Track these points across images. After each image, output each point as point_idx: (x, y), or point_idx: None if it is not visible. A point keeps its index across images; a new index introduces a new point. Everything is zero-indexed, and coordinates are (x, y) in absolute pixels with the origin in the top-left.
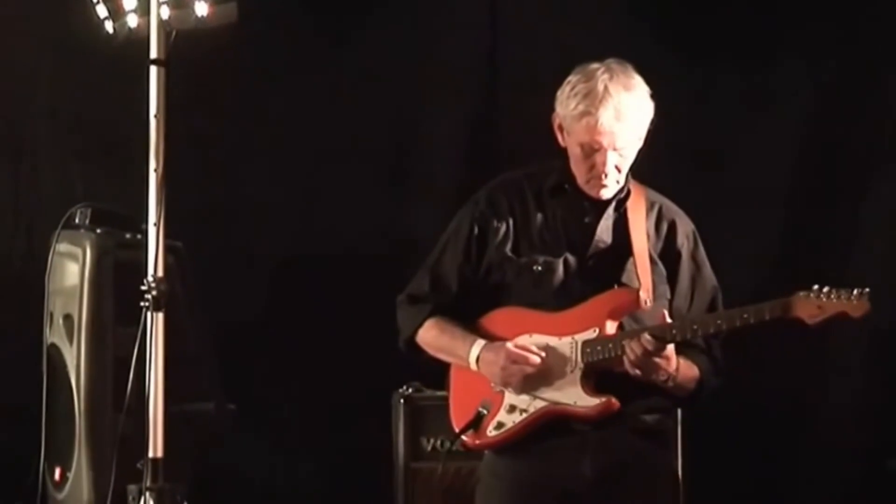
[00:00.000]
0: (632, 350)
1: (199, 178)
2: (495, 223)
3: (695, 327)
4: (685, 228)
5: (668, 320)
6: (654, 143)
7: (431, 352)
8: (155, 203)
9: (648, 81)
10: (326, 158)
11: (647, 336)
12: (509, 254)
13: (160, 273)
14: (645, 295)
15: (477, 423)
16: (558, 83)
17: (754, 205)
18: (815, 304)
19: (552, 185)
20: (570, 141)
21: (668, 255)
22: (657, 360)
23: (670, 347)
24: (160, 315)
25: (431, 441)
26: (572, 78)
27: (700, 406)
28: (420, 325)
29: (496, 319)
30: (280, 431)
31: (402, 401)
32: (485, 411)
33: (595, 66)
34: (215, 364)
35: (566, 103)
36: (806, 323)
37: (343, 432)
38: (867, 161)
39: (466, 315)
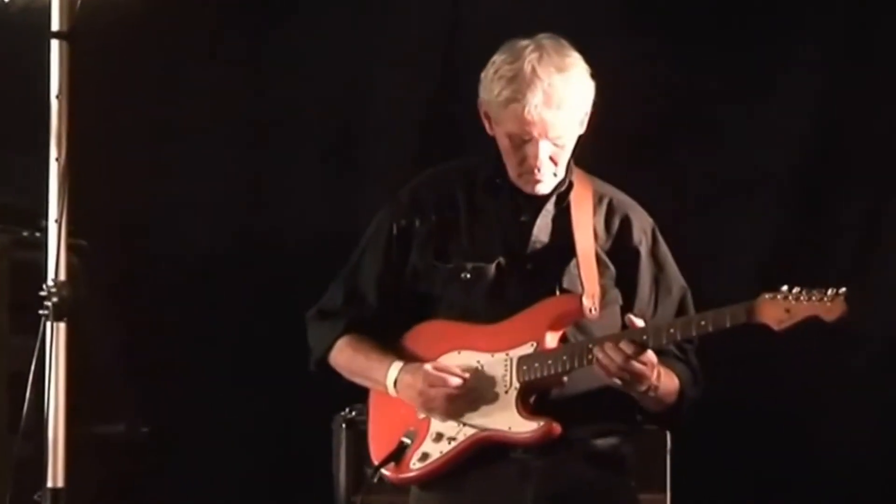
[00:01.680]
0: (609, 359)
1: (109, 167)
2: (418, 224)
3: (644, 338)
4: (641, 223)
5: (639, 324)
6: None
7: (346, 375)
8: (57, 196)
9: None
10: (261, 144)
11: (624, 342)
12: (435, 260)
13: (62, 276)
14: (589, 302)
15: (399, 454)
16: None
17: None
18: (783, 307)
19: (484, 180)
20: (499, 131)
21: (622, 254)
22: (638, 366)
23: (651, 353)
24: (62, 325)
25: None
26: (497, 58)
27: (681, 423)
28: (332, 344)
29: (421, 335)
30: (204, 459)
31: (343, 425)
32: (408, 441)
33: (524, 43)
34: (127, 380)
35: (490, 88)
36: (773, 329)
37: (278, 460)
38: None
39: (392, 332)
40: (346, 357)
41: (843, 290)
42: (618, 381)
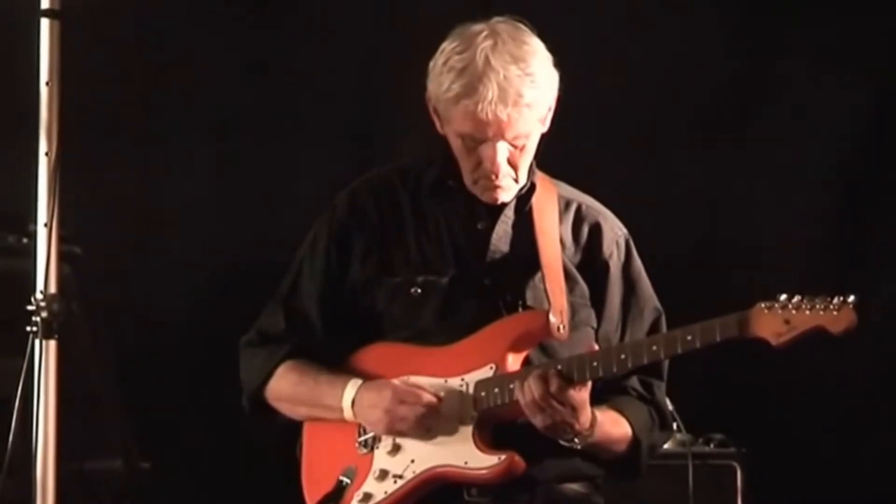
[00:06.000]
0: (528, 390)
1: (104, 164)
2: (358, 233)
3: (623, 356)
4: (613, 234)
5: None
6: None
7: (287, 409)
8: (47, 196)
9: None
10: (271, 138)
11: (552, 372)
12: (378, 273)
13: (52, 288)
14: (557, 318)
15: (337, 495)
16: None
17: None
18: (782, 318)
19: (432, 182)
20: (449, 130)
21: (591, 268)
22: (560, 408)
23: (583, 394)
24: (52, 343)
25: None
26: (446, 45)
27: (638, 473)
28: (272, 372)
29: (365, 360)
30: (209, 496)
31: None
32: (347, 480)
33: (476, 28)
34: (123, 408)
35: (438, 81)
36: (770, 344)
37: (292, 495)
38: None
39: (334, 357)
40: (290, 384)
41: (852, 298)
42: (538, 422)
